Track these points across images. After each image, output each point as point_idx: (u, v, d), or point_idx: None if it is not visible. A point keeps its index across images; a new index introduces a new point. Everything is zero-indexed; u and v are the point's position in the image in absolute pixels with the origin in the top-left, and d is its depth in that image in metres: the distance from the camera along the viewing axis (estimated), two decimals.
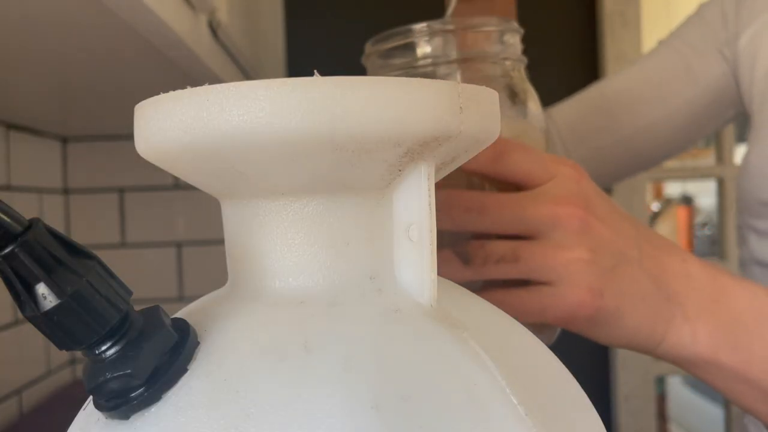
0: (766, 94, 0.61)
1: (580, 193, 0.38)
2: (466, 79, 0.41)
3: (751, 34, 0.63)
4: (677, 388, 2.78)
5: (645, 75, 0.71)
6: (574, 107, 0.73)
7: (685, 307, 0.40)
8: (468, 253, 0.39)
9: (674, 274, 0.40)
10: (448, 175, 0.41)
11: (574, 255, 0.38)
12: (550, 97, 0.88)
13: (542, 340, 0.44)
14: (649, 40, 1.37)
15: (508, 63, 0.43)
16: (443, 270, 0.38)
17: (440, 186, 0.39)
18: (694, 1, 0.72)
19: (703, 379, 0.42)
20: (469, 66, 0.41)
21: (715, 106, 0.68)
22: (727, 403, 1.47)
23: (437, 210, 0.37)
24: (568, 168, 0.39)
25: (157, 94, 0.23)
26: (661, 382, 2.70)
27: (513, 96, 0.43)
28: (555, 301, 0.38)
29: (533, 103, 0.44)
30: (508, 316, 0.28)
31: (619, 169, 0.74)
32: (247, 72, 0.77)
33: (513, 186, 0.40)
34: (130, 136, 0.25)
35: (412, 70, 0.42)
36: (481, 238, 0.40)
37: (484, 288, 0.40)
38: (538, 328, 0.44)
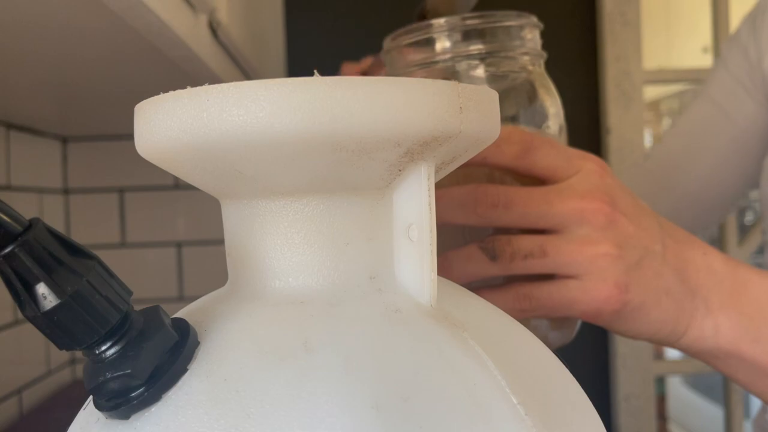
0: None
1: (605, 188, 0.39)
2: (487, 75, 0.42)
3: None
4: (677, 388, 2.78)
5: (685, 130, 0.72)
6: (630, 179, 0.74)
7: (708, 300, 0.41)
8: (495, 249, 0.39)
9: (696, 267, 0.41)
10: (469, 169, 0.40)
11: (601, 250, 0.38)
12: None
13: (563, 337, 0.44)
14: (649, 40, 1.37)
15: (527, 58, 0.42)
16: (470, 267, 0.39)
17: (462, 181, 0.40)
18: (694, 2, 0.73)
19: (725, 372, 0.42)
20: (490, 61, 0.41)
21: (761, 138, 0.69)
22: (727, 403, 1.47)
23: (462, 205, 0.39)
24: (592, 163, 0.40)
25: (157, 94, 0.23)
26: (661, 382, 2.70)
27: (532, 94, 0.43)
28: (582, 296, 0.39)
29: (552, 99, 0.43)
30: (508, 316, 0.28)
31: (688, 226, 0.74)
32: (247, 72, 0.77)
33: (536, 180, 0.40)
34: (130, 136, 0.25)
35: (432, 65, 0.42)
36: (504, 233, 0.40)
37: (508, 282, 0.41)
38: (558, 324, 0.44)
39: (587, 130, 1.24)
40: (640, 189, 0.71)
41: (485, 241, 0.39)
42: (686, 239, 0.42)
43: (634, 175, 0.76)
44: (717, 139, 0.69)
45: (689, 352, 0.42)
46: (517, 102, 0.43)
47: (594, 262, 0.38)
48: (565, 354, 0.45)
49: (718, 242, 1.36)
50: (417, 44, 0.42)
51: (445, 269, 0.40)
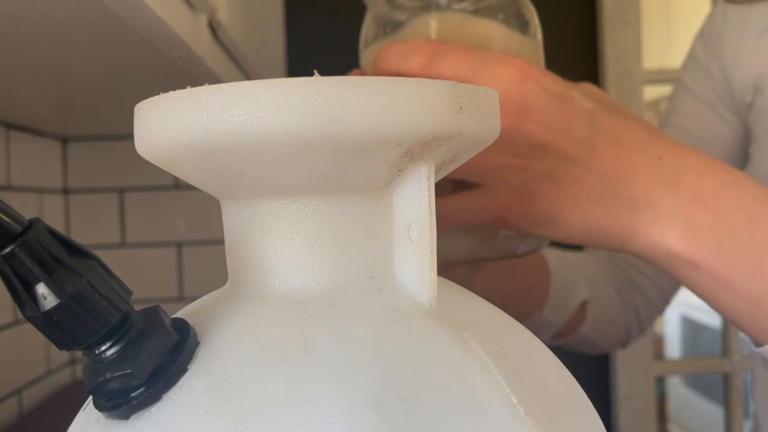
0: (762, 106, 0.61)
1: (519, 97, 0.37)
2: (477, 9, 0.41)
3: (739, 66, 0.62)
4: (677, 388, 2.78)
5: (684, 126, 0.69)
6: None
7: (655, 208, 0.38)
8: None
9: (643, 172, 0.39)
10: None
11: (503, 161, 0.38)
12: None
13: (528, 247, 0.44)
14: (649, 40, 1.37)
15: None
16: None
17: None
18: (694, 2, 0.72)
19: (687, 285, 0.40)
20: None
21: (736, 156, 0.67)
22: (727, 403, 1.47)
23: (403, 55, 0.38)
24: (510, 68, 0.37)
25: (157, 94, 0.23)
26: (661, 382, 2.70)
27: (524, 24, 0.42)
28: (483, 202, 0.39)
29: (531, 12, 0.43)
30: (508, 316, 0.28)
31: None
32: (247, 72, 0.77)
33: None
34: (130, 136, 0.25)
35: (419, 1, 0.41)
36: None
37: None
38: (521, 237, 0.44)
39: None
40: None
41: None
42: (636, 143, 0.39)
43: None
44: (718, 139, 0.67)
45: (644, 258, 0.40)
46: (501, 8, 0.42)
47: (496, 172, 0.38)
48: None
49: None
50: None
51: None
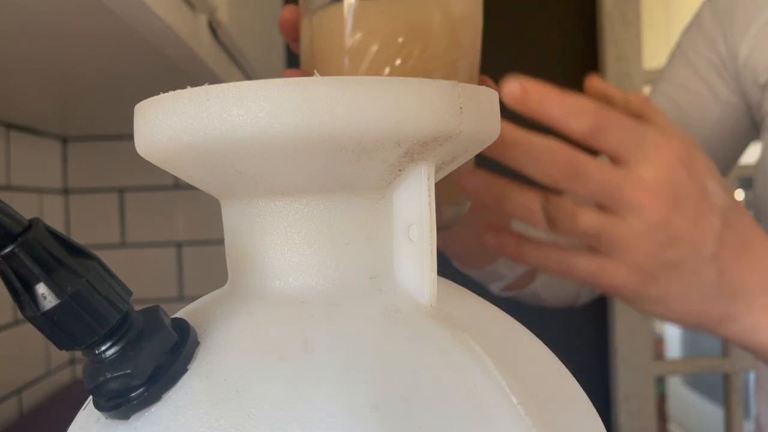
0: None
1: (671, 185, 0.39)
2: None
3: (750, 43, 0.60)
4: (677, 388, 2.78)
5: (670, 95, 0.66)
6: None
7: (751, 301, 0.41)
8: (556, 218, 0.40)
9: (752, 267, 0.41)
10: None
11: (641, 245, 0.39)
12: None
13: (446, 222, 0.43)
14: (649, 40, 1.37)
15: None
16: (519, 210, 0.41)
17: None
18: (694, 2, 0.72)
19: None
20: None
21: (728, 141, 0.65)
22: (727, 403, 1.47)
23: (536, 159, 0.38)
24: (666, 154, 0.39)
25: (157, 94, 0.23)
26: (661, 382, 2.70)
27: None
28: (606, 273, 0.41)
29: None
30: (508, 316, 0.28)
31: None
32: (247, 72, 0.77)
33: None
34: (130, 136, 0.25)
35: None
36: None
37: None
38: (448, 199, 0.42)
39: None
40: None
41: (550, 202, 0.40)
42: (753, 239, 0.41)
43: None
44: (707, 117, 0.64)
45: (733, 344, 0.43)
46: None
47: (629, 251, 0.39)
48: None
49: None
50: None
51: (495, 195, 0.41)
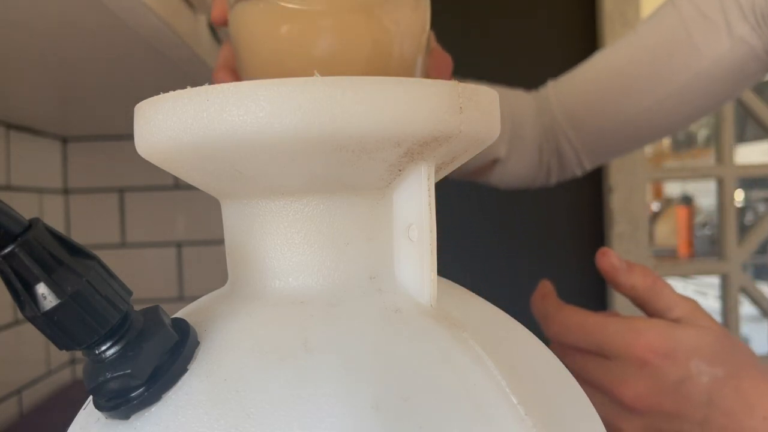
0: None
1: (651, 378, 0.42)
2: None
3: None
4: None
5: (644, 46, 0.65)
6: (572, 92, 0.70)
7: None
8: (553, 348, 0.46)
9: (750, 415, 0.42)
10: None
11: (630, 426, 0.43)
12: None
13: None
14: None
15: None
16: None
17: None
18: None
19: None
20: None
21: (731, 77, 0.62)
22: None
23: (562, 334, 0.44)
24: (635, 350, 0.43)
25: (157, 94, 0.23)
26: None
27: None
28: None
29: None
30: (508, 316, 0.28)
31: (624, 146, 0.71)
32: None
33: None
34: (130, 136, 0.25)
35: None
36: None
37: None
38: None
39: None
40: (581, 105, 0.68)
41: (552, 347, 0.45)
42: (749, 404, 0.43)
43: (576, 83, 0.70)
44: (680, 73, 0.62)
45: None
46: None
47: (618, 417, 0.44)
48: None
49: (718, 243, 1.36)
50: None
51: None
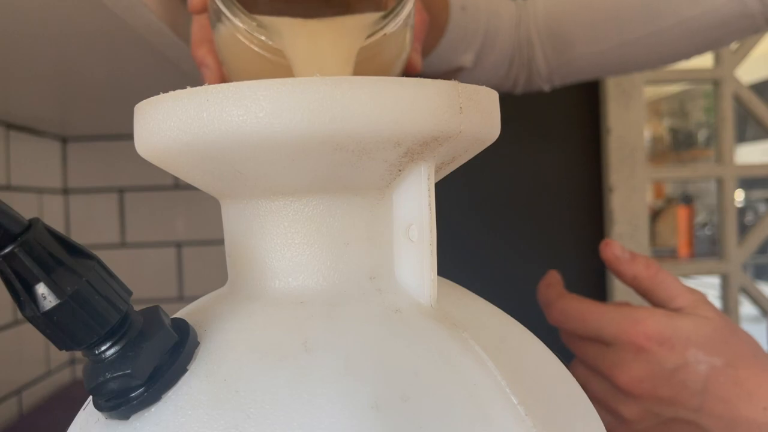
0: None
1: (647, 364, 0.43)
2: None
3: None
4: None
5: None
6: (556, 10, 0.68)
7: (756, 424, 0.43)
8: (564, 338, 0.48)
9: (746, 420, 0.43)
10: None
11: (637, 416, 0.44)
12: (551, 97, 0.87)
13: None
14: None
15: None
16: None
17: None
18: None
19: None
20: None
21: (722, 27, 0.61)
22: None
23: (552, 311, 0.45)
24: (633, 337, 0.43)
25: (157, 94, 0.23)
26: None
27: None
28: (610, 426, 0.46)
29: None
30: (508, 316, 0.28)
31: (597, 73, 0.70)
32: None
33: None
34: (130, 136, 0.25)
35: None
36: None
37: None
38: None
39: (587, 130, 1.24)
40: (563, 28, 0.66)
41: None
42: (747, 392, 0.43)
43: (560, 4, 0.68)
44: (672, 14, 0.62)
45: None
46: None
47: (629, 422, 0.44)
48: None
49: (719, 242, 1.36)
50: None
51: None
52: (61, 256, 0.20)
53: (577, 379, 0.47)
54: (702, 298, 0.45)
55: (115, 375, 0.20)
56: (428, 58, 0.61)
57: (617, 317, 0.44)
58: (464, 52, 0.63)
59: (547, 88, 0.72)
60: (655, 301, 0.46)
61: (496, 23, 0.67)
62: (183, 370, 0.22)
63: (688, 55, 0.67)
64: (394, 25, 0.34)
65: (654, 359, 0.43)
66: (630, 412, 0.44)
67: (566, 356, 0.34)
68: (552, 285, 0.49)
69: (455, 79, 0.64)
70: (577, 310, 0.46)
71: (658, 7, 0.63)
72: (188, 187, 1.02)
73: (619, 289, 1.19)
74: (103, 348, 0.21)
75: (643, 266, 0.46)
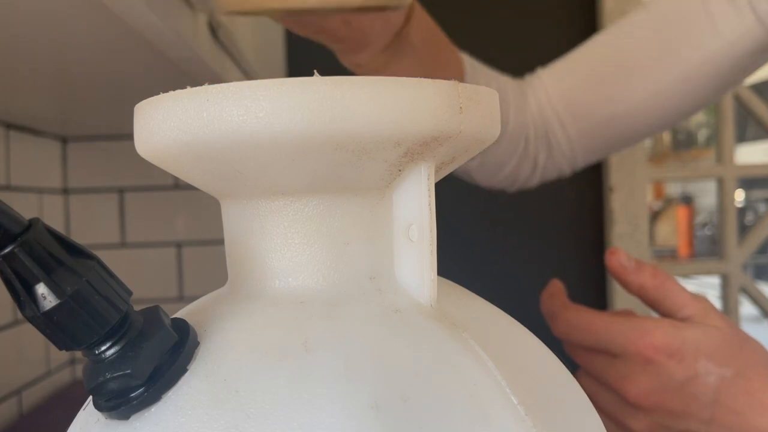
0: None
1: (656, 377, 0.42)
2: None
3: None
4: None
5: (654, 25, 0.60)
6: (570, 75, 0.65)
7: None
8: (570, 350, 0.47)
9: (762, 413, 0.42)
10: None
11: (636, 424, 0.43)
12: None
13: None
14: None
15: None
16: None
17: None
18: None
19: None
20: None
21: (749, 56, 0.58)
22: None
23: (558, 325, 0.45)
24: (641, 349, 0.43)
25: (157, 94, 0.23)
26: None
27: None
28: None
29: None
30: (508, 316, 0.28)
31: (623, 137, 0.65)
32: (247, 72, 0.77)
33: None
34: (130, 136, 0.25)
35: None
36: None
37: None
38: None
39: None
40: (580, 92, 0.63)
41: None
42: (760, 404, 0.42)
43: (574, 67, 0.65)
44: (694, 52, 0.58)
45: None
46: None
47: (627, 418, 0.44)
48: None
49: (718, 243, 1.36)
50: None
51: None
52: (61, 256, 0.20)
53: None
54: (709, 306, 0.45)
55: (115, 375, 0.20)
56: None
57: (624, 329, 0.43)
58: None
59: (568, 170, 0.68)
60: (661, 310, 0.46)
61: (504, 88, 0.64)
62: (183, 370, 0.22)
63: (717, 94, 0.62)
64: None
65: (663, 371, 0.42)
66: (639, 425, 0.43)
67: (566, 356, 0.34)
68: (555, 295, 0.48)
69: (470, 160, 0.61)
70: (583, 322, 0.45)
71: (679, 47, 0.59)
72: (188, 187, 1.02)
73: (620, 290, 1.19)
74: (103, 348, 0.21)
75: (650, 276, 0.45)
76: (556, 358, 0.27)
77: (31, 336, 0.87)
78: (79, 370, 1.02)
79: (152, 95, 0.23)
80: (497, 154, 0.63)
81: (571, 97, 0.64)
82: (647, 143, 1.50)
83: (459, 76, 0.58)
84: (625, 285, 0.46)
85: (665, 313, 0.45)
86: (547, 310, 0.48)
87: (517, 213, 1.23)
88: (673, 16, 0.60)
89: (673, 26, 0.60)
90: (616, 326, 0.43)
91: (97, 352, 0.21)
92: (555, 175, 0.69)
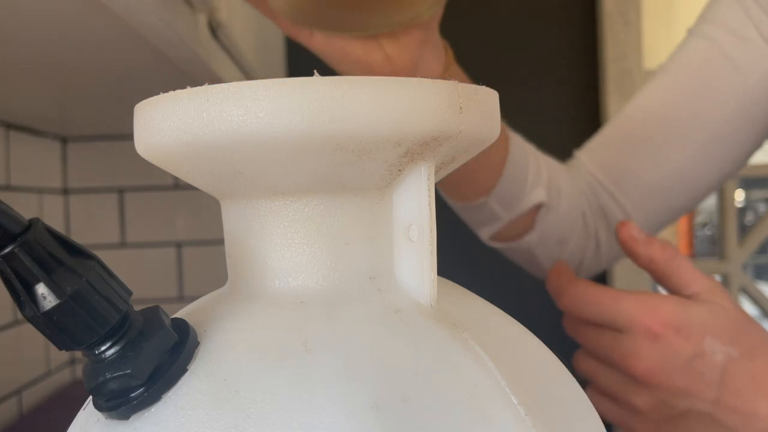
0: None
1: (660, 352, 0.42)
2: None
3: None
4: None
5: (681, 80, 0.59)
6: (604, 149, 0.64)
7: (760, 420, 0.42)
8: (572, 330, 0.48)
9: (763, 418, 0.42)
10: None
11: (649, 405, 0.43)
12: (550, 97, 0.88)
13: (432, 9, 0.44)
14: (649, 41, 1.37)
15: None
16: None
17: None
18: (695, 2, 0.70)
19: None
20: None
21: None
22: None
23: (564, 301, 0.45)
24: (647, 322, 0.42)
25: (157, 94, 0.23)
26: None
27: None
28: (622, 422, 0.46)
29: None
30: (508, 316, 0.28)
31: (685, 202, 0.63)
32: (247, 72, 0.77)
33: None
34: (130, 136, 0.25)
35: None
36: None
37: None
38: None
39: (587, 130, 1.24)
40: (621, 160, 0.62)
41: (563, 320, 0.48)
42: (763, 385, 0.42)
43: (608, 139, 0.64)
44: (726, 102, 0.57)
45: None
46: None
47: (642, 413, 0.44)
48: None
49: (718, 243, 1.36)
50: None
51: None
52: (61, 256, 0.20)
53: (583, 372, 0.46)
54: (718, 285, 0.44)
55: (115, 375, 0.20)
56: (496, 191, 0.57)
57: (632, 303, 0.43)
58: (534, 187, 0.59)
59: None
60: (669, 286, 0.45)
61: (553, 165, 0.63)
62: (183, 370, 0.22)
63: (759, 140, 0.61)
64: None
65: (670, 347, 0.41)
66: (643, 402, 0.43)
67: (566, 357, 0.34)
68: (562, 273, 0.48)
69: (537, 216, 0.60)
70: (590, 295, 0.44)
71: (708, 101, 0.58)
72: (188, 187, 1.02)
73: (620, 288, 1.18)
74: (103, 348, 0.21)
75: (660, 249, 0.45)
76: (556, 358, 0.27)
77: (31, 336, 0.87)
78: (79, 370, 1.02)
79: (152, 95, 0.23)
80: (556, 229, 0.62)
81: (611, 171, 0.63)
82: None
83: (502, 152, 0.57)
84: (634, 257, 0.46)
85: (672, 289, 0.45)
86: (554, 286, 0.47)
87: None
88: (695, 73, 0.59)
89: (697, 82, 0.59)
90: (624, 300, 0.43)
91: (97, 352, 0.21)
92: (623, 255, 0.68)
